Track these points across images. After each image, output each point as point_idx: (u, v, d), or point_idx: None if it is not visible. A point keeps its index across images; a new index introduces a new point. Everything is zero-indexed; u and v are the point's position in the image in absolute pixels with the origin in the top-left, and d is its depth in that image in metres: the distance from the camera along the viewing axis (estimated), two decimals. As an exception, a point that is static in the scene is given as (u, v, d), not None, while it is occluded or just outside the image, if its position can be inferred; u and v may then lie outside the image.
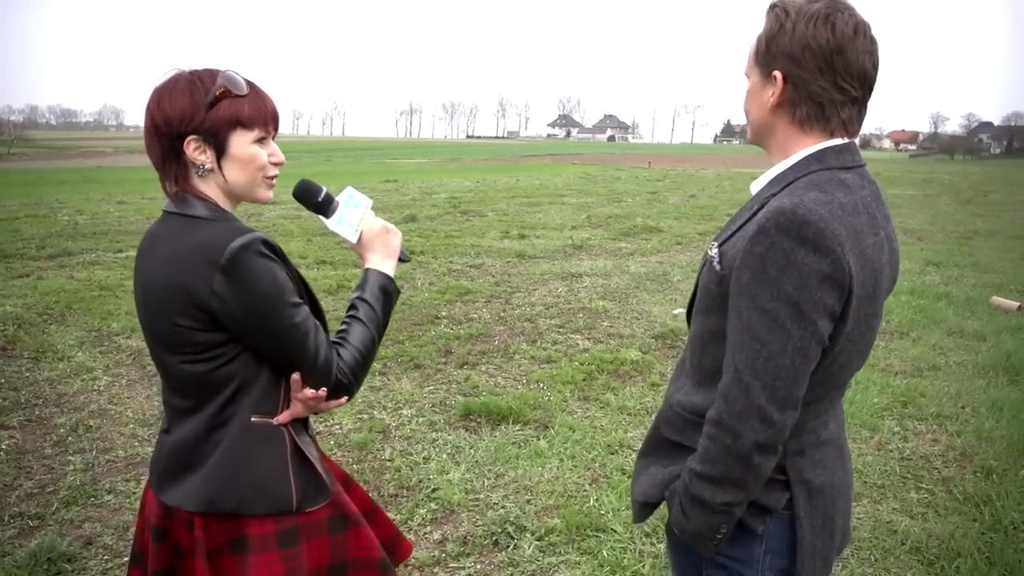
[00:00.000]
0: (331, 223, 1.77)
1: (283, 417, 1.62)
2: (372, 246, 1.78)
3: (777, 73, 1.41)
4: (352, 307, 1.72)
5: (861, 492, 3.84)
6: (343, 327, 1.69)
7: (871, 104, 1.47)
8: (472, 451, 4.21)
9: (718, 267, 1.43)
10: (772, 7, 1.43)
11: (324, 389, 1.60)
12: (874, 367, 5.80)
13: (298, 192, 1.77)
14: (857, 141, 1.49)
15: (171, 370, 1.59)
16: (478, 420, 4.63)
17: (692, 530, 1.45)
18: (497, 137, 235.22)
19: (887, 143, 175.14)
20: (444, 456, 4.15)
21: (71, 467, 4.01)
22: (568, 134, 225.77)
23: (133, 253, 10.59)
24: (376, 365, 5.61)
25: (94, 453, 4.20)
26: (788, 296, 1.29)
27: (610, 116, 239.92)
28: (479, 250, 11.05)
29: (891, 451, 4.36)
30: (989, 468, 4.11)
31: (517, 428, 4.54)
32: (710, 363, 1.46)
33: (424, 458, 4.13)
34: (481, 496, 3.72)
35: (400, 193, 21.30)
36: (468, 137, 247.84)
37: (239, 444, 1.58)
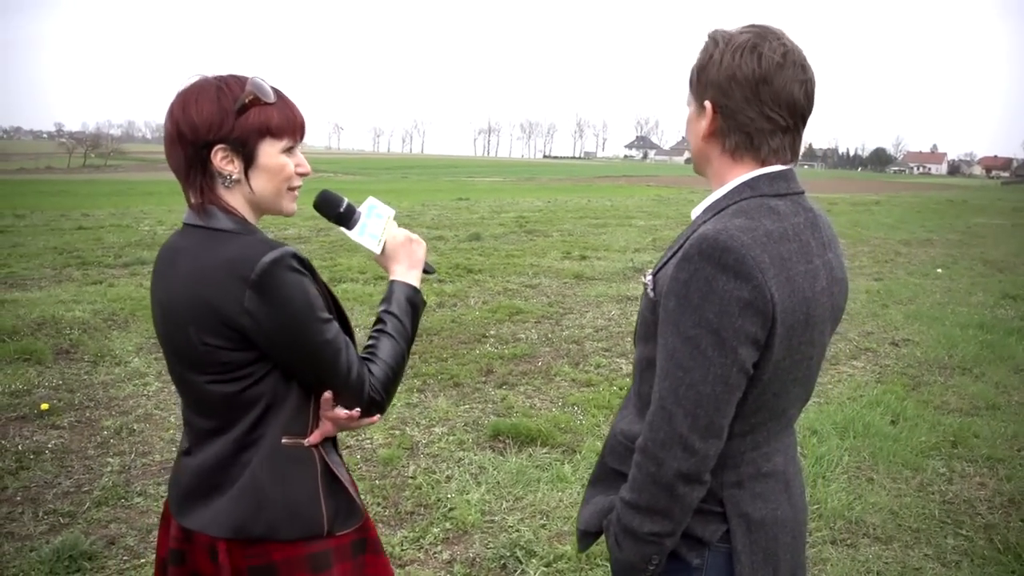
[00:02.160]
0: (353, 234, 1.73)
1: (314, 438, 1.56)
2: (396, 257, 1.74)
3: (707, 103, 1.41)
4: (379, 321, 1.67)
5: (893, 535, 3.68)
6: (371, 342, 1.64)
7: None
8: (495, 472, 4.20)
9: (651, 294, 1.42)
10: (708, 36, 1.44)
11: (358, 409, 1.55)
12: (928, 404, 5.57)
13: (318, 203, 1.74)
14: (794, 167, 1.46)
15: (195, 390, 1.53)
16: (506, 441, 4.62)
17: (625, 560, 1.43)
18: (574, 157, 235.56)
19: (978, 169, 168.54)
20: (467, 476, 4.16)
21: (108, 468, 4.17)
22: (645, 156, 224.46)
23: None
24: (416, 382, 5.67)
25: (132, 456, 4.35)
26: (709, 323, 1.28)
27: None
28: (537, 270, 11.05)
29: (932, 493, 4.16)
30: (1038, 517, 3.89)
31: (544, 451, 4.51)
32: (647, 391, 1.45)
33: (447, 477, 4.15)
34: (497, 518, 3.71)
35: (470, 211, 21.50)
36: (545, 157, 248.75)
37: (269, 466, 1.52)
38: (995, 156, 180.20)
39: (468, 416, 5.09)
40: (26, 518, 3.61)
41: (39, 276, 9.60)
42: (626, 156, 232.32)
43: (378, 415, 1.60)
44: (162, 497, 3.84)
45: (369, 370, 1.57)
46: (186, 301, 1.47)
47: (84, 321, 7.16)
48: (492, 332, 7.36)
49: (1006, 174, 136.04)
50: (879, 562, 3.44)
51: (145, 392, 5.42)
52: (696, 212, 1.48)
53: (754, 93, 1.36)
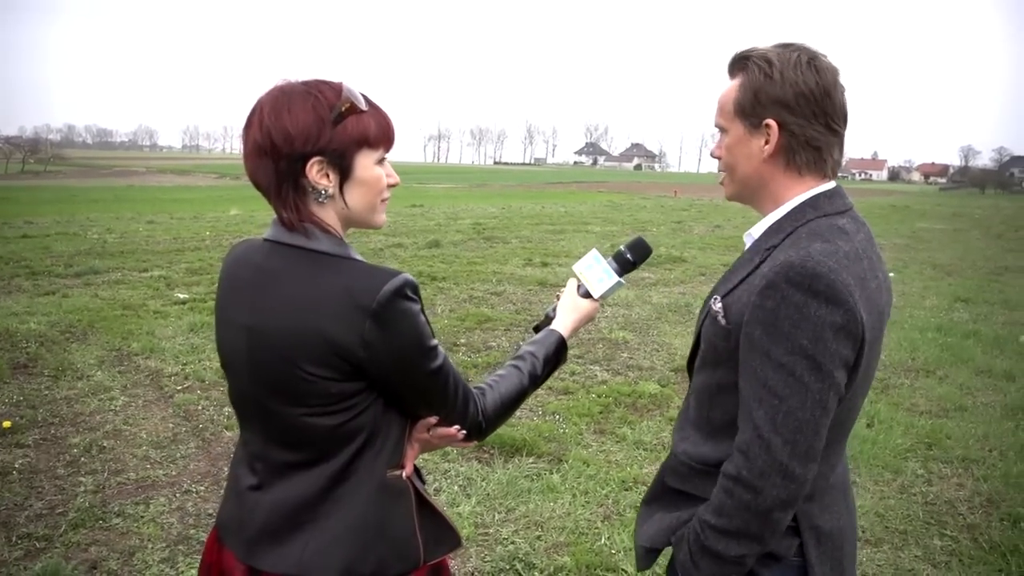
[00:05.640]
0: (615, 279, 1.80)
1: (408, 468, 1.50)
2: (580, 314, 1.81)
3: (771, 121, 1.40)
4: (520, 357, 1.67)
5: (882, 537, 3.73)
6: (501, 372, 1.63)
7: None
8: (484, 484, 4.15)
9: (723, 321, 1.41)
10: (744, 59, 1.44)
11: (464, 431, 1.50)
12: (898, 406, 5.68)
13: (642, 248, 1.82)
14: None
15: (285, 422, 1.41)
16: (491, 452, 4.58)
17: None
18: (524, 164, 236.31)
19: (916, 176, 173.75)
20: (455, 488, 4.10)
21: (82, 488, 4.01)
22: (595, 162, 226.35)
23: (158, 272, 10.56)
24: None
25: (105, 474, 4.19)
26: (803, 349, 1.28)
27: (637, 145, 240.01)
28: (501, 277, 11.03)
29: (914, 495, 4.24)
30: (1017, 516, 3.97)
31: (530, 461, 4.47)
32: (720, 416, 1.45)
33: (435, 490, 4.08)
34: (491, 531, 3.66)
35: (426, 218, 21.41)
36: (495, 163, 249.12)
37: (375, 501, 1.43)
38: (932, 163, 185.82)
39: (449, 426, 5.02)
40: (-1, 543, 3.45)
41: (-13, 287, 9.25)
42: (576, 162, 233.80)
43: (475, 441, 1.58)
44: (141, 517, 3.71)
45: (483, 393, 1.55)
46: (290, 330, 1.36)
47: (40, 334, 6.90)
48: (463, 340, 7.31)
49: (943, 180, 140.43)
50: (872, 564, 3.48)
51: (111, 407, 5.24)
52: (753, 234, 1.48)
53: (820, 106, 1.38)
